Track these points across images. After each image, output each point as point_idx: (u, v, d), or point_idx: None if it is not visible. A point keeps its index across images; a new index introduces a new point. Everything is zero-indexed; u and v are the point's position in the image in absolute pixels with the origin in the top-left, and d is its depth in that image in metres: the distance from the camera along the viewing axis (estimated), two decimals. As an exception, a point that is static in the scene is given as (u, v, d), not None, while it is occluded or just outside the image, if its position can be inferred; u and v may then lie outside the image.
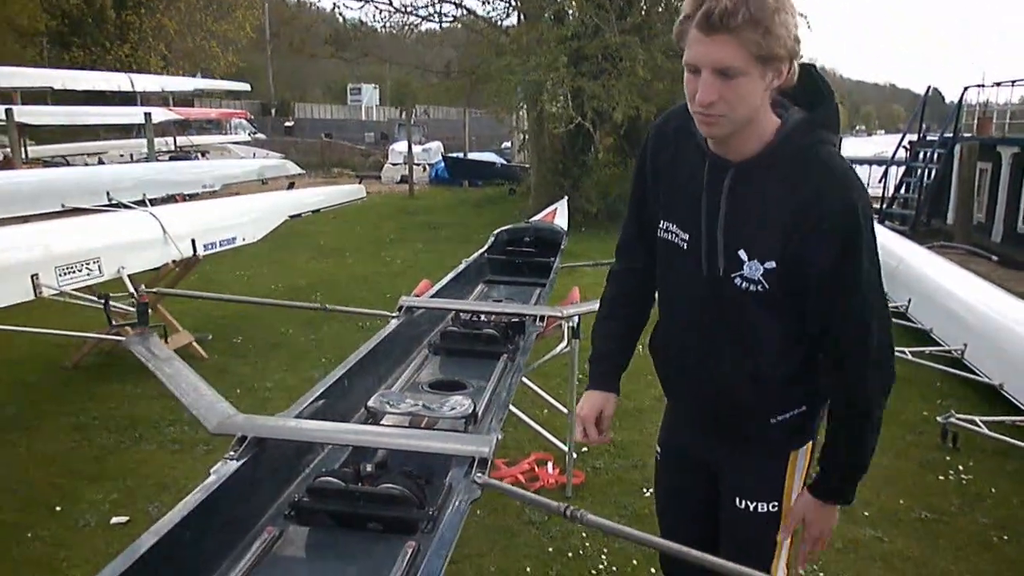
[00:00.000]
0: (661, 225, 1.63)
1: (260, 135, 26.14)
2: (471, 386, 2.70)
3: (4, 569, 3.05)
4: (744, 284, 1.51)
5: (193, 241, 5.48)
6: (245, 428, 1.84)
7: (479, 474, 1.71)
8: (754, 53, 1.32)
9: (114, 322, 3.82)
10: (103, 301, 3.54)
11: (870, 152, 21.52)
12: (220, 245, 5.92)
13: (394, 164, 21.84)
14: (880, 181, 15.37)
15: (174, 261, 5.41)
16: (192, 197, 9.12)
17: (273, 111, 38.09)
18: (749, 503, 1.72)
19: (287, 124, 34.44)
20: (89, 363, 5.61)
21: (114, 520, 3.43)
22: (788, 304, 1.52)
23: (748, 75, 1.34)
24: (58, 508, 3.53)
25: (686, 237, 1.58)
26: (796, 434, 1.70)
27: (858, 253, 1.44)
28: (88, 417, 4.61)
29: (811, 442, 1.75)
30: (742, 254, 1.50)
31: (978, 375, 5.03)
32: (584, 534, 3.30)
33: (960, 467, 4.06)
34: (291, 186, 9.91)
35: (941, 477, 3.96)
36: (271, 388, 5.23)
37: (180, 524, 1.51)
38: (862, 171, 18.91)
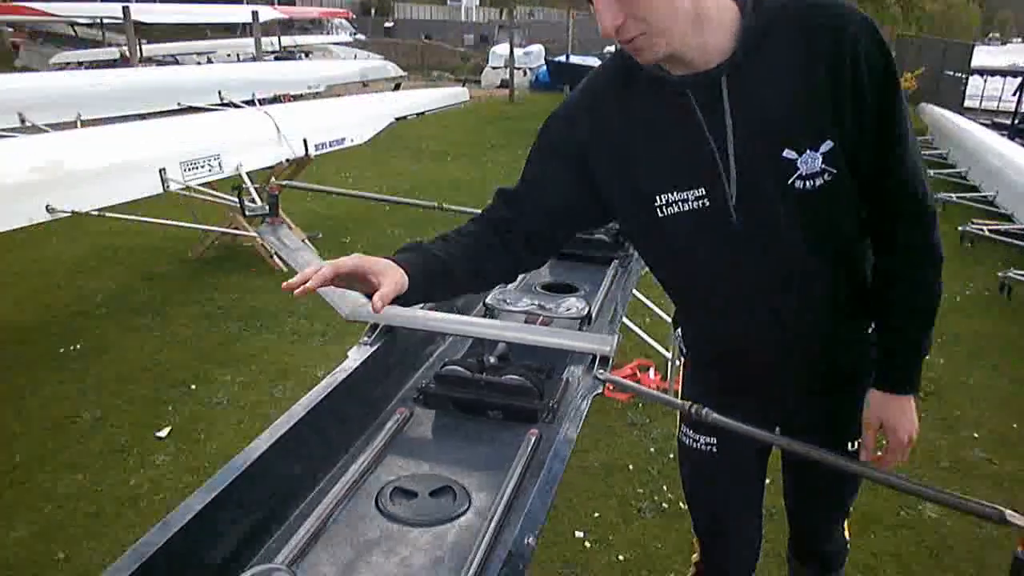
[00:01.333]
0: (661, 202, 1.28)
1: (360, 36, 26.13)
2: (583, 289, 2.74)
3: (147, 438, 3.35)
4: (807, 184, 1.21)
5: (305, 141, 5.63)
6: (378, 316, 1.94)
7: (600, 371, 1.76)
8: None
9: (247, 213, 4.02)
10: (236, 192, 3.72)
11: (1004, 62, 19.86)
12: (330, 145, 6.06)
13: (494, 68, 21.56)
14: (1015, 94, 14.24)
15: (287, 160, 5.59)
16: (298, 98, 9.32)
17: (372, 11, 37.92)
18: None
19: (387, 25, 34.29)
20: (210, 256, 5.94)
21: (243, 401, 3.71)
22: (852, 187, 1.25)
23: None
24: (192, 387, 3.83)
25: (701, 193, 1.25)
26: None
27: (894, 71, 1.20)
28: (213, 306, 4.92)
29: None
30: (789, 154, 1.20)
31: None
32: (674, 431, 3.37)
33: (1081, 393, 3.92)
34: (397, 87, 9.96)
35: (1060, 402, 3.83)
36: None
37: (326, 399, 1.63)
38: (994, 82, 17.56)
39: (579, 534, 2.78)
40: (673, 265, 1.41)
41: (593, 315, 2.38)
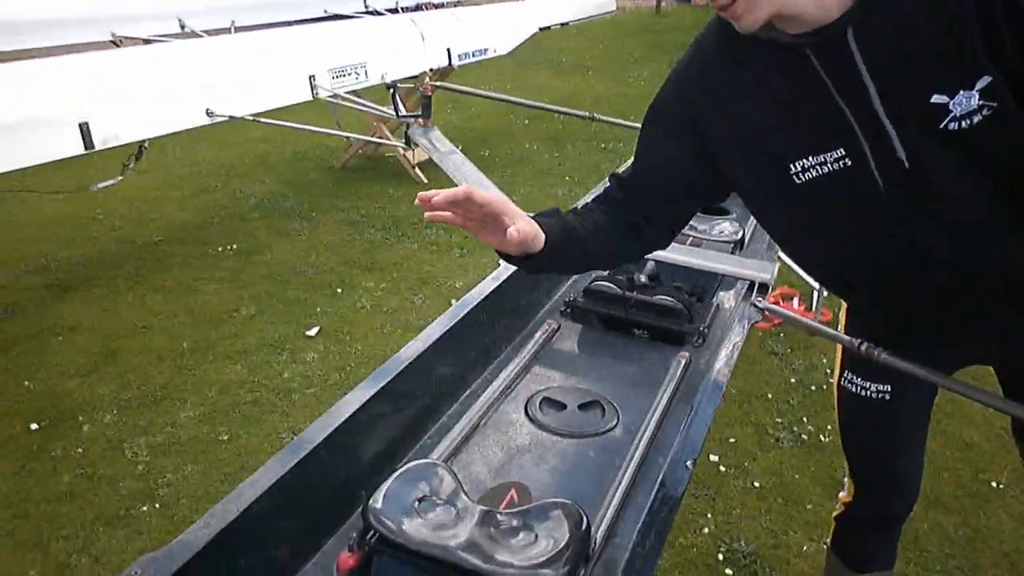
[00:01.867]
0: (796, 168, 1.16)
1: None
2: (735, 212, 2.63)
3: (298, 336, 3.54)
4: (964, 124, 1.06)
5: (448, 51, 5.61)
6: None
7: (760, 298, 1.69)
8: None
9: (400, 115, 4.06)
10: (392, 92, 3.76)
11: None
12: (473, 56, 6.02)
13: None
14: None
15: (431, 69, 5.60)
16: (440, 6, 9.27)
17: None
18: None
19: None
20: (354, 165, 6.10)
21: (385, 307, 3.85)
22: (1020, 118, 1.08)
23: None
24: (339, 291, 4.00)
25: (841, 153, 1.12)
26: None
27: None
28: (358, 214, 5.08)
29: None
30: (939, 98, 1.06)
31: None
32: (827, 371, 3.23)
33: None
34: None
35: None
36: (517, 201, 5.39)
37: (479, 305, 1.65)
38: None
39: (714, 458, 2.75)
40: (817, 236, 1.26)
41: (746, 240, 2.29)
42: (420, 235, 4.74)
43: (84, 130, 3.18)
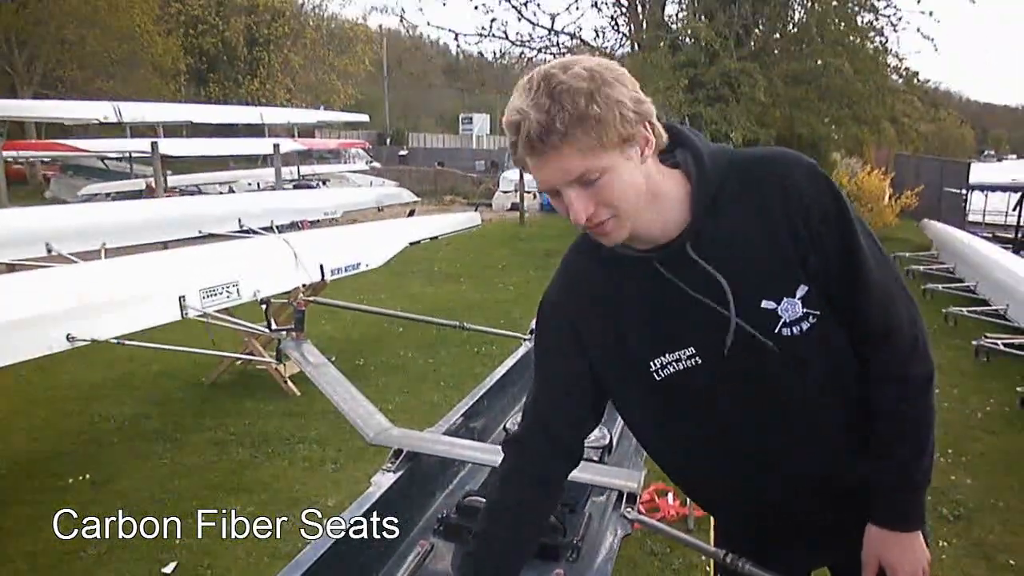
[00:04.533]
0: (656, 366, 1.29)
1: (376, 164, 27.07)
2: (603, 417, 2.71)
3: (152, 574, 3.24)
4: (795, 330, 1.23)
5: (321, 266, 5.73)
6: (402, 442, 1.92)
7: (629, 509, 1.71)
8: (599, 147, 1.12)
9: (273, 329, 4.05)
10: (264, 308, 3.77)
11: (1000, 178, 20.31)
12: (345, 270, 6.17)
13: (505, 192, 22.16)
14: (1015, 209, 14.46)
15: (304, 285, 5.67)
16: (315, 224, 9.57)
17: (388, 140, 39.43)
18: None
19: (401, 153, 35.53)
20: (224, 381, 5.93)
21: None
22: (837, 322, 1.26)
23: (611, 168, 1.14)
24: (201, 516, 3.73)
25: (691, 352, 1.27)
26: None
27: (846, 211, 1.23)
28: (226, 432, 4.88)
29: None
30: (767, 304, 1.23)
31: None
32: (707, 569, 3.23)
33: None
34: (411, 213, 10.23)
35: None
36: (392, 410, 5.32)
37: (350, 527, 1.59)
38: (992, 198, 17.87)
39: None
40: (674, 431, 1.38)
41: (614, 444, 2.35)
42: (291, 451, 4.58)
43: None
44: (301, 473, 4.31)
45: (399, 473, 1.85)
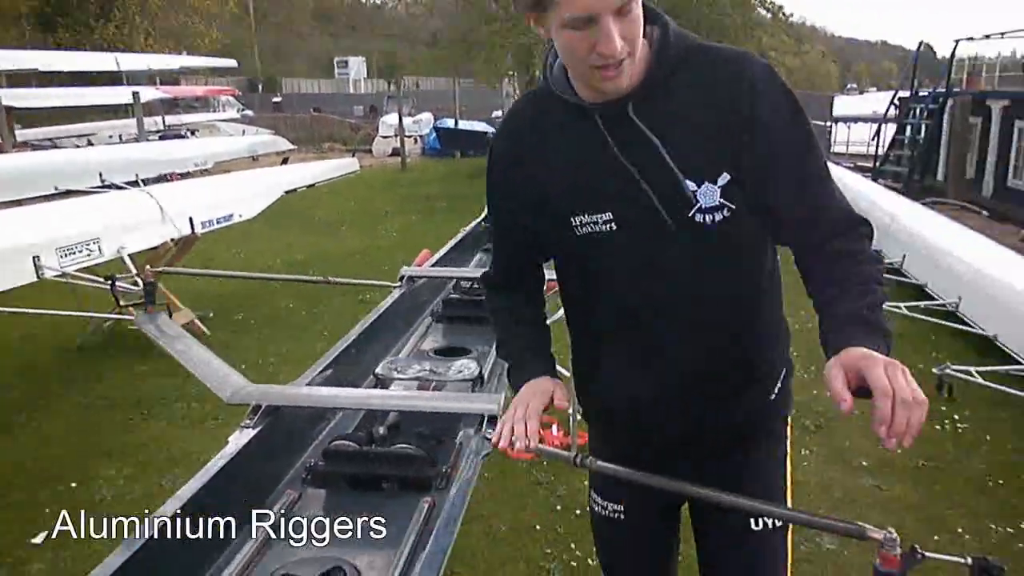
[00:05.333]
0: (576, 222, 1.31)
1: (248, 112, 25.93)
2: (475, 351, 2.75)
3: (20, 545, 3.11)
4: (706, 218, 1.24)
5: (191, 219, 5.51)
6: (259, 397, 1.90)
7: (489, 430, 1.76)
8: None
9: (121, 302, 3.86)
10: (110, 282, 3.57)
11: (862, 110, 21.48)
12: (217, 222, 5.96)
13: (385, 137, 21.75)
14: (872, 139, 15.37)
15: (172, 239, 5.44)
16: (185, 176, 9.13)
17: (260, 87, 37.77)
18: (766, 520, 1.43)
19: (275, 100, 34.17)
20: (93, 343, 5.65)
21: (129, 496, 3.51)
22: (752, 229, 1.29)
23: (637, 5, 1.16)
24: (73, 484, 3.60)
25: (609, 217, 1.28)
26: (786, 403, 1.46)
27: (799, 108, 1.26)
28: (95, 396, 4.67)
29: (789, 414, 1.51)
30: (689, 184, 1.23)
31: (972, 327, 5.10)
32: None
33: (956, 416, 4.15)
34: (285, 161, 9.93)
35: (938, 427, 4.04)
36: (274, 362, 5.28)
37: (202, 489, 1.56)
38: (856, 129, 18.89)
39: (488, 602, 2.74)
40: (584, 288, 1.40)
41: (485, 376, 2.40)
42: (169, 410, 4.44)
43: None
44: (181, 432, 4.19)
45: (258, 428, 1.82)
